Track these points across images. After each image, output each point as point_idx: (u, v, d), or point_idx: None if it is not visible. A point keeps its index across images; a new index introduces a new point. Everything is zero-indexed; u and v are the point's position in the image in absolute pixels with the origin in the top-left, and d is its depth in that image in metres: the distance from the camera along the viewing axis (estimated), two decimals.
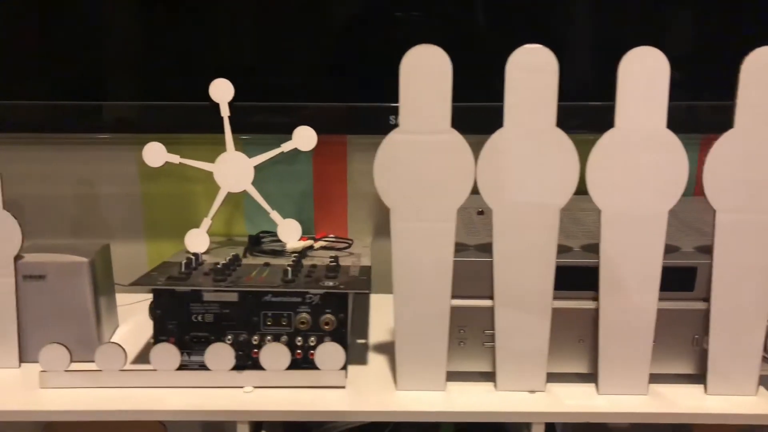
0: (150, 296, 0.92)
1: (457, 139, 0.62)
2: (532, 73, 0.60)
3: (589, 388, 0.68)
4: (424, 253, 0.64)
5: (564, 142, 0.62)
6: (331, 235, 0.89)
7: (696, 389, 0.68)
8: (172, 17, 0.88)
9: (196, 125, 0.89)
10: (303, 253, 0.83)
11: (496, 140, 0.62)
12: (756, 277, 0.64)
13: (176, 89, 0.89)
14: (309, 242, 0.84)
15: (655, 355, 0.67)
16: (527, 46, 0.60)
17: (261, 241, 0.88)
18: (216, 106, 0.81)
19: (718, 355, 0.66)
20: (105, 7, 0.87)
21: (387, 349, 0.77)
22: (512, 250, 0.64)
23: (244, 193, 0.83)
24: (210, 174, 0.83)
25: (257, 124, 0.88)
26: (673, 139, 0.62)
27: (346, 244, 0.87)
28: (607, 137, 0.62)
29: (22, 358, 0.73)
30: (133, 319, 0.86)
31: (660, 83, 0.61)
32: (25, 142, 0.94)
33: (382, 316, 0.87)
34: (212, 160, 0.83)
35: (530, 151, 0.62)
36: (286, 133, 0.83)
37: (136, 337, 0.81)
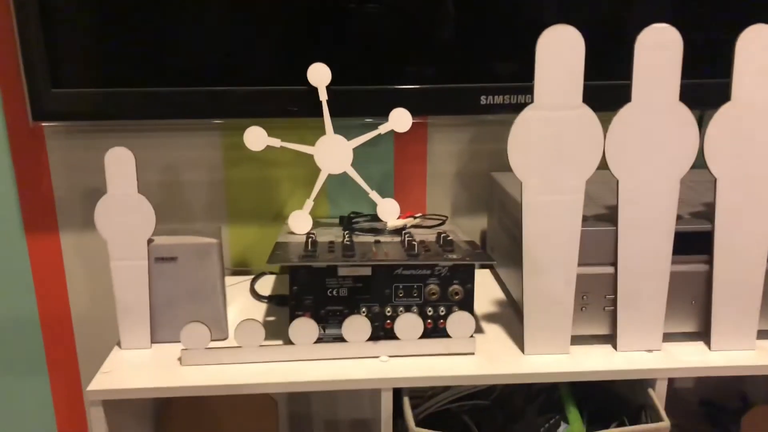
0: (246, 279, 0.95)
1: (589, 113, 0.66)
2: (658, 51, 0.64)
3: (700, 345, 0.73)
4: (554, 224, 0.68)
5: (686, 116, 0.66)
6: (420, 214, 0.92)
7: None
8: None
9: (283, 111, 0.91)
10: (404, 230, 0.86)
11: (623, 115, 0.66)
12: None
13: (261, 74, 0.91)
14: (408, 220, 0.87)
15: (760, 312, 0.72)
16: (655, 25, 0.64)
17: (353, 221, 0.91)
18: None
19: None
20: None
21: (496, 318, 0.81)
22: (636, 218, 0.69)
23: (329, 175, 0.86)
24: (293, 159, 0.84)
25: (345, 107, 0.90)
26: None
27: (441, 221, 0.90)
28: (723, 111, 0.67)
29: (152, 339, 0.74)
30: (235, 300, 0.88)
31: None
32: (111, 130, 0.95)
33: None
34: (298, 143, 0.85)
35: (655, 125, 0.66)
36: (371, 115, 0.86)
37: (247, 315, 0.83)
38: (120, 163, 0.70)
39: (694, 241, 0.71)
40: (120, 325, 0.73)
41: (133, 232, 0.71)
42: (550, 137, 0.66)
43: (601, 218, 0.72)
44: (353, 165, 0.85)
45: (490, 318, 0.81)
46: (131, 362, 0.71)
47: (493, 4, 0.89)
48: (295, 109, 0.88)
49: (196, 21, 0.88)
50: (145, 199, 0.71)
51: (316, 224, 0.94)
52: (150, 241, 0.72)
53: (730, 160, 0.68)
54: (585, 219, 0.72)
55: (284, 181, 0.99)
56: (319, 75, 0.84)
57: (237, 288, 0.93)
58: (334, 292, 0.71)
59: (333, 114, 0.85)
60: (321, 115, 0.84)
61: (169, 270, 0.73)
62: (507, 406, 0.82)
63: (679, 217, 0.72)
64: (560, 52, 0.64)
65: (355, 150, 0.85)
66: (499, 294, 0.89)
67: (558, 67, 0.65)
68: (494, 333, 0.77)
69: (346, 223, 0.90)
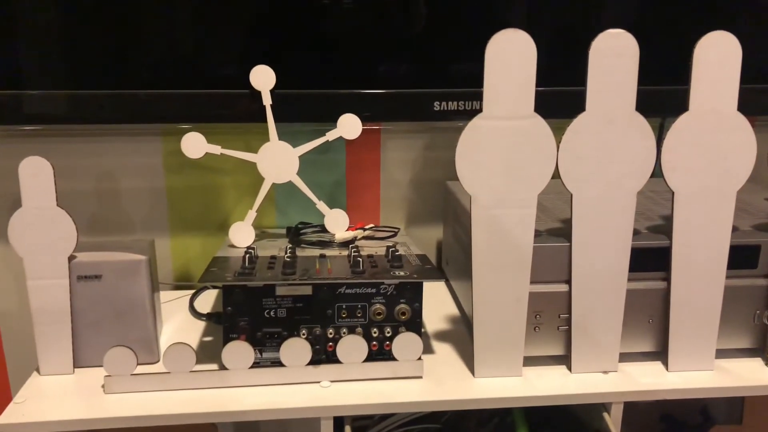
0: (183, 293, 0.90)
1: (541, 123, 0.62)
2: (614, 58, 0.61)
3: (657, 366, 0.70)
4: (504, 239, 0.64)
5: (643, 127, 0.63)
6: (371, 225, 0.88)
7: (756, 362, 0.71)
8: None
9: (227, 115, 0.86)
10: (352, 243, 0.81)
11: (577, 125, 0.63)
12: None
13: (206, 77, 0.86)
14: (357, 232, 0.83)
15: (718, 331, 0.69)
16: (610, 31, 0.61)
17: (300, 233, 0.86)
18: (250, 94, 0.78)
19: None
20: None
21: (447, 337, 0.77)
22: (590, 233, 0.65)
23: (274, 184, 0.81)
24: (238, 166, 0.79)
25: (290, 112, 0.86)
26: (743, 122, 0.64)
27: (392, 233, 0.86)
28: (682, 121, 0.64)
29: (76, 363, 0.69)
30: (173, 317, 0.83)
31: (732, 67, 0.62)
32: (42, 134, 0.88)
33: (425, 302, 0.86)
34: (242, 150, 0.79)
35: (610, 136, 0.63)
36: (318, 121, 0.81)
37: (182, 335, 0.78)
38: (36, 174, 0.64)
39: (651, 258, 0.67)
40: (38, 348, 0.67)
41: (52, 249, 0.65)
42: (501, 148, 0.62)
43: (556, 233, 0.68)
44: (302, 173, 0.80)
45: (442, 337, 0.77)
46: (50, 390, 0.66)
47: (446, 6, 0.85)
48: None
49: (134, 20, 0.82)
50: (65, 213, 0.65)
51: (262, 235, 0.89)
52: (72, 258, 0.66)
53: (688, 172, 0.65)
54: (538, 234, 0.68)
55: (229, 189, 0.94)
56: (263, 78, 0.79)
57: (177, 304, 0.87)
58: (272, 313, 0.66)
59: (279, 119, 0.80)
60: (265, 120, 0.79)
61: (93, 289, 0.67)
62: (459, 430, 0.78)
63: (636, 232, 0.69)
64: (511, 57, 0.61)
65: (305, 157, 0.80)
66: (453, 310, 0.85)
67: (509, 74, 0.61)
68: (445, 353, 0.73)
69: (293, 234, 0.86)
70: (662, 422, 0.99)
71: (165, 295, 0.89)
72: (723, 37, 0.62)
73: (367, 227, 0.85)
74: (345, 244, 0.81)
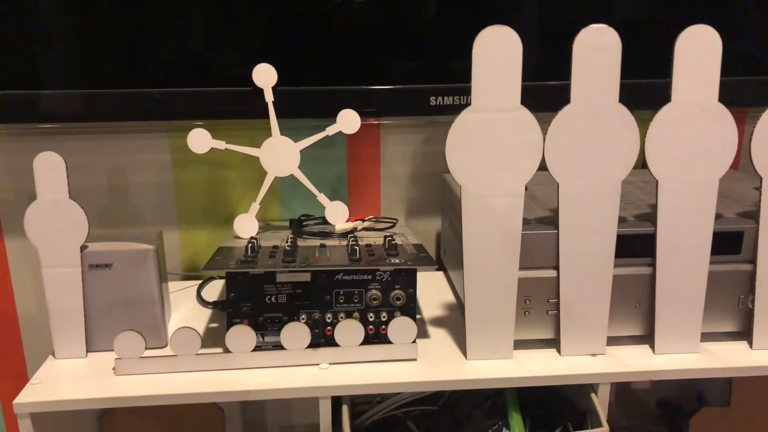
0: (192, 283, 0.94)
1: (527, 116, 0.65)
2: (597, 52, 0.63)
3: (645, 349, 0.73)
4: (494, 228, 0.67)
5: (626, 118, 0.66)
6: (371, 216, 0.91)
7: (741, 345, 0.73)
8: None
9: (232, 112, 0.89)
10: (352, 234, 0.84)
11: (562, 117, 0.65)
12: None
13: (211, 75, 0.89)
14: (356, 223, 0.86)
15: (704, 315, 0.71)
16: (593, 26, 0.63)
17: (303, 224, 0.89)
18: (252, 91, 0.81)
19: (762, 312, 0.71)
20: None
21: (443, 322, 0.80)
22: (577, 221, 0.68)
23: (278, 177, 0.84)
24: (243, 160, 0.83)
25: (293, 108, 0.89)
26: (724, 112, 0.66)
27: (391, 224, 0.89)
28: (665, 111, 0.66)
29: (88, 348, 0.72)
30: (181, 306, 0.86)
31: (712, 60, 0.65)
32: (56, 132, 0.92)
33: (421, 291, 0.90)
34: (246, 146, 0.83)
35: (595, 127, 0.65)
36: (319, 117, 0.85)
37: (190, 322, 0.81)
38: (49, 168, 0.68)
39: (637, 244, 0.70)
40: (53, 333, 0.71)
41: (65, 239, 0.69)
42: (488, 140, 0.65)
43: (544, 221, 0.71)
44: (305, 167, 0.83)
45: (438, 322, 0.80)
46: (64, 372, 0.69)
47: (441, 4, 0.88)
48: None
49: (139, 21, 0.86)
50: (77, 205, 0.69)
51: (266, 227, 0.92)
52: (84, 247, 0.70)
53: (671, 162, 0.67)
54: (528, 222, 0.71)
55: (235, 183, 0.97)
56: (265, 76, 0.82)
57: (185, 293, 0.91)
58: (273, 299, 0.70)
59: (281, 115, 0.83)
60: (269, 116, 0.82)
61: (104, 277, 0.71)
62: (455, 411, 0.81)
63: (623, 220, 0.71)
64: (497, 53, 0.63)
65: (308, 152, 0.83)
66: (450, 297, 0.88)
67: (495, 69, 0.64)
68: (440, 338, 0.76)
69: (296, 226, 0.89)
70: (659, 408, 1.01)
71: (174, 285, 0.93)
72: (703, 31, 0.64)
73: (366, 219, 0.89)
74: (345, 234, 0.84)
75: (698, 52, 0.65)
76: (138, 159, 0.95)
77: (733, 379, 0.81)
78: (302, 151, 0.83)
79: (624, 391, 1.03)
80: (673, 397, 1.00)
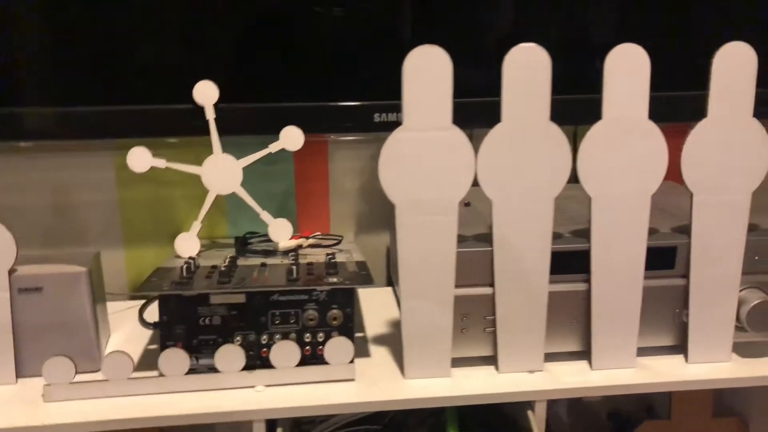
0: (138, 303, 0.92)
1: (458, 135, 0.65)
2: (526, 70, 0.64)
3: (582, 364, 0.73)
4: (428, 246, 0.67)
5: (557, 135, 0.66)
6: (318, 233, 0.90)
7: (677, 359, 0.74)
8: (148, 17, 0.87)
9: (176, 129, 0.88)
10: (295, 251, 0.84)
11: (494, 135, 0.65)
12: (730, 254, 0.70)
13: (151, 92, 0.88)
14: (301, 241, 0.85)
15: (640, 330, 0.72)
16: (522, 45, 0.64)
17: (248, 242, 0.88)
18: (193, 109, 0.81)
19: (697, 326, 0.72)
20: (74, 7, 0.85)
21: (385, 340, 0.80)
22: (511, 238, 0.68)
23: (225, 195, 0.83)
24: (189, 178, 0.82)
25: (235, 125, 0.88)
26: (654, 129, 0.67)
27: (336, 241, 0.88)
28: (596, 128, 0.67)
29: (19, 374, 0.71)
30: (122, 327, 0.85)
31: (642, 77, 0.66)
32: None
33: (368, 308, 0.89)
34: (188, 163, 0.82)
35: (527, 145, 0.66)
36: (265, 133, 0.84)
37: (130, 344, 0.80)
38: None
39: (573, 260, 0.70)
40: None
41: None
42: (421, 159, 0.65)
43: (481, 238, 0.71)
44: (252, 184, 0.83)
45: (380, 340, 0.80)
46: None
47: (382, 20, 0.88)
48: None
49: (81, 37, 0.85)
50: (3, 227, 0.67)
51: (212, 245, 0.91)
52: (12, 271, 0.69)
53: (603, 178, 0.68)
54: (464, 239, 0.71)
55: (181, 200, 0.96)
56: (205, 93, 0.81)
57: (129, 314, 0.89)
58: (207, 321, 0.69)
59: (227, 132, 0.82)
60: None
61: (34, 301, 0.69)
62: (401, 430, 0.80)
63: (559, 236, 0.72)
64: (428, 72, 0.63)
65: (255, 168, 0.82)
66: (396, 314, 0.88)
67: (426, 88, 0.64)
68: (380, 356, 0.76)
69: (240, 244, 0.88)
70: (609, 419, 1.02)
71: (117, 306, 0.91)
72: (631, 49, 0.65)
73: (311, 236, 0.88)
74: (289, 253, 0.84)
75: (627, 69, 0.65)
76: (82, 177, 0.94)
77: (672, 393, 0.82)
78: (249, 168, 0.82)
79: (576, 403, 1.04)
80: (622, 410, 1.01)
